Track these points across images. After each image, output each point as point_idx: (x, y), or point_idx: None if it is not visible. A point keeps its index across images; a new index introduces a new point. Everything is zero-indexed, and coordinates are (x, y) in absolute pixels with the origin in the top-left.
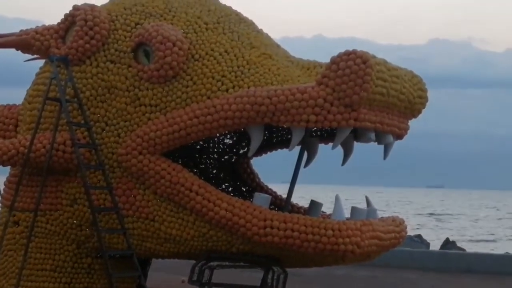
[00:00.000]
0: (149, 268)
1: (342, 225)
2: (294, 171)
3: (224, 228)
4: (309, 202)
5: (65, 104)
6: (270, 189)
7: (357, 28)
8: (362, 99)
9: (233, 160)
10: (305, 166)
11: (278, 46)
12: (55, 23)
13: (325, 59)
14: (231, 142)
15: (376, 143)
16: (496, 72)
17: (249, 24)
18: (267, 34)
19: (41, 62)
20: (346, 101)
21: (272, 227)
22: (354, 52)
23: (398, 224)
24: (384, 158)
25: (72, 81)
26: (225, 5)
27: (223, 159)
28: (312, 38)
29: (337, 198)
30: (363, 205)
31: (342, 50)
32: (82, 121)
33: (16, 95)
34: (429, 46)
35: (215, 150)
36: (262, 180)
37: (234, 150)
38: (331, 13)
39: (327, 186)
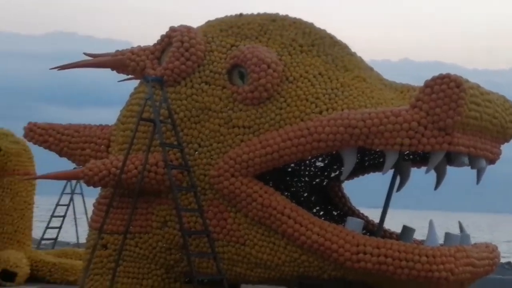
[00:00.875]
0: None
1: (436, 251)
2: (386, 195)
3: (316, 253)
4: (401, 227)
5: (159, 125)
6: (362, 213)
7: (442, 52)
8: (456, 123)
9: (324, 183)
10: (397, 190)
11: (371, 69)
12: (144, 44)
13: (411, 82)
14: (322, 165)
15: (470, 167)
16: None
17: (343, 47)
18: (360, 57)
19: (134, 83)
20: (440, 124)
21: (365, 253)
22: (448, 75)
23: (491, 250)
24: (477, 182)
25: (166, 102)
26: (319, 28)
27: (314, 182)
28: (399, 61)
29: (430, 224)
30: (456, 231)
31: (429, 74)
32: (175, 142)
33: (107, 116)
34: None
35: (307, 173)
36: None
37: (326, 173)
38: (417, 37)
39: (417, 211)
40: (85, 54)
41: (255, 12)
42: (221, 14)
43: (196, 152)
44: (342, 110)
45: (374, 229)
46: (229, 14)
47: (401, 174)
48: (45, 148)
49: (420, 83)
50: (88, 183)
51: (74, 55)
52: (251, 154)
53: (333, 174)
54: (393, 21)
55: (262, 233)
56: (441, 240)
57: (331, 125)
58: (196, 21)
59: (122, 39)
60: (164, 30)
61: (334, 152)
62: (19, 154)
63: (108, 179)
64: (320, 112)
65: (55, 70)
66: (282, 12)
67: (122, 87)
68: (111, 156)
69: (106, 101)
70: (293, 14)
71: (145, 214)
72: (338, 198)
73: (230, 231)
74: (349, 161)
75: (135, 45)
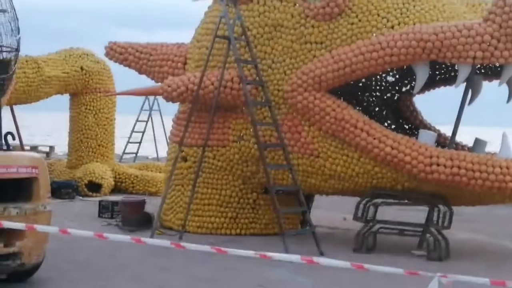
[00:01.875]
0: (311, 205)
1: (510, 162)
2: (459, 108)
3: (389, 165)
4: (472, 143)
5: (234, 41)
6: (433, 127)
7: None
8: None
9: (395, 98)
10: (469, 104)
11: None
12: None
13: None
14: (393, 79)
15: None
16: None
17: None
18: None
19: (204, 5)
20: None
21: (438, 164)
22: None
23: None
24: None
25: (240, 19)
26: None
27: (385, 97)
28: None
29: (504, 136)
30: None
31: None
32: (249, 59)
33: (179, 39)
34: None
35: (378, 87)
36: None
37: (397, 88)
38: None
39: (490, 128)
40: None
41: None
42: None
43: (270, 68)
44: (414, 24)
45: (446, 143)
46: None
47: (472, 88)
48: (125, 66)
49: None
50: (167, 99)
51: None
52: (323, 69)
53: (404, 89)
54: None
55: (335, 146)
56: None
57: (403, 39)
58: None
59: None
60: None
61: (405, 67)
62: (100, 73)
63: (186, 95)
64: (392, 27)
65: None
66: None
67: (193, 11)
68: (188, 73)
69: (178, 24)
70: None
71: (222, 128)
72: (410, 112)
73: (305, 144)
74: (422, 75)
75: None
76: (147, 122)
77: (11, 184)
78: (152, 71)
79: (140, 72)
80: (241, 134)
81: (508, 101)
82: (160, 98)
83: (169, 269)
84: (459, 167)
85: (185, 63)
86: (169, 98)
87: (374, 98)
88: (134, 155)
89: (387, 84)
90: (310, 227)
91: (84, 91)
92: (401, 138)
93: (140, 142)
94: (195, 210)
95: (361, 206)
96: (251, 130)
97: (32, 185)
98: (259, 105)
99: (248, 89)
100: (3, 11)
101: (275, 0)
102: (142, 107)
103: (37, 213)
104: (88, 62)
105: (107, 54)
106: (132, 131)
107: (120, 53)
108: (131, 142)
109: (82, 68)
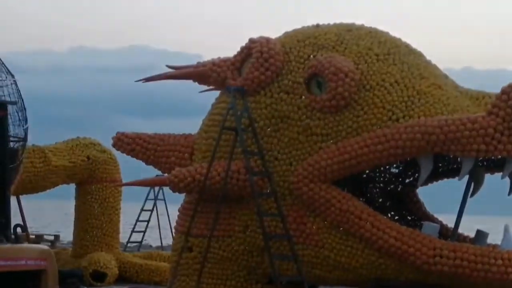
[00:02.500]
0: None
1: (511, 254)
2: (461, 200)
3: (393, 257)
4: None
5: (241, 133)
6: (436, 218)
7: (507, 60)
8: None
9: (399, 189)
10: (471, 196)
11: (446, 76)
12: (213, 57)
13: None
14: (397, 171)
15: None
16: None
17: (419, 55)
18: (435, 65)
19: (214, 93)
20: None
21: (441, 256)
22: None
23: None
24: None
25: (247, 111)
26: (394, 36)
27: (389, 188)
28: (461, 70)
29: (506, 228)
30: None
31: (493, 83)
32: (256, 150)
33: (179, 126)
34: None
35: (381, 179)
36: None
37: (400, 179)
38: (480, 45)
39: (492, 217)
40: (167, 66)
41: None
42: (279, 25)
43: (276, 160)
44: (419, 117)
45: (448, 234)
46: (289, 22)
47: (475, 180)
48: (132, 156)
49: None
50: (174, 189)
51: (148, 68)
52: (329, 161)
53: (407, 180)
54: (453, 27)
55: (340, 237)
56: None
57: (408, 132)
58: (258, 34)
59: (194, 52)
60: (233, 42)
61: (409, 158)
62: (106, 163)
63: (193, 186)
64: (397, 120)
65: (139, 82)
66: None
67: (195, 100)
68: (195, 164)
69: (178, 112)
70: (354, 20)
71: (228, 218)
72: (413, 203)
73: (309, 235)
74: (426, 167)
75: (205, 58)
76: (151, 211)
77: (19, 276)
78: (159, 161)
79: (147, 163)
80: (247, 225)
81: (509, 194)
82: (165, 187)
83: None
84: (462, 259)
85: (192, 154)
86: (176, 189)
87: (377, 190)
88: (139, 244)
89: (391, 176)
90: None
91: (90, 181)
92: (405, 229)
93: (144, 231)
94: None
95: None
96: (256, 220)
97: (41, 277)
98: (265, 196)
99: (254, 180)
100: (13, 103)
101: (282, 93)
102: (147, 196)
103: None
104: (94, 151)
105: (114, 145)
106: (137, 220)
107: (128, 144)
108: (135, 231)
109: (88, 158)
